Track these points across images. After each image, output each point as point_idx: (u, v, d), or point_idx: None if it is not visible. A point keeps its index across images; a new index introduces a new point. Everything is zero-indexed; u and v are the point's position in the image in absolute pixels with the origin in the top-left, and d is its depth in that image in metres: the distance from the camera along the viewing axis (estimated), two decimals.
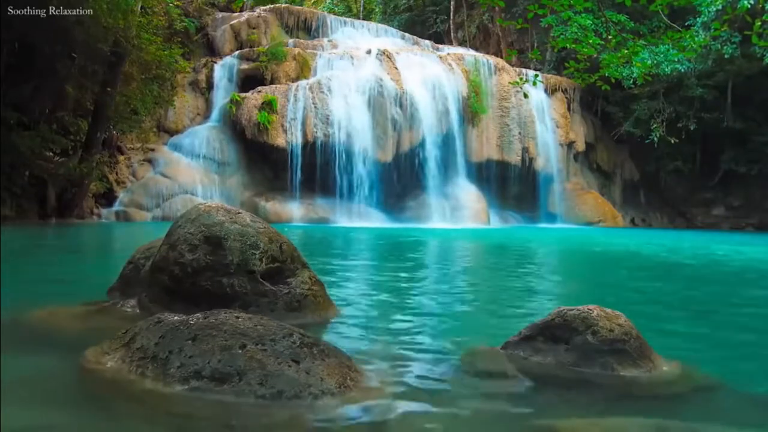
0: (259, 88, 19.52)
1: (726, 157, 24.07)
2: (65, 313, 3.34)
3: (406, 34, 25.87)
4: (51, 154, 14.87)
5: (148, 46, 15.35)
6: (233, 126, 19.13)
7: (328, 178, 19.27)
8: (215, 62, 20.65)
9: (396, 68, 20.84)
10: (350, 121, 19.35)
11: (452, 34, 29.47)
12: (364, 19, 30.78)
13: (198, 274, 3.24)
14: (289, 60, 20.51)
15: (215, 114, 19.79)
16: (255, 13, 23.12)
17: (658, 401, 2.28)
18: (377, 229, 16.62)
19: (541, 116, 23.44)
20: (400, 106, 20.22)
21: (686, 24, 18.27)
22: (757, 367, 2.97)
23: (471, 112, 21.86)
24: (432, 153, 20.65)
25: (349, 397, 2.09)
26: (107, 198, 16.86)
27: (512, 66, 23.87)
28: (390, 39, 24.36)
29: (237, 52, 21.06)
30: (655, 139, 23.41)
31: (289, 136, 18.89)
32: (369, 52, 21.25)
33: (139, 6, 15.15)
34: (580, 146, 25.06)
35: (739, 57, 21.16)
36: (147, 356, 2.20)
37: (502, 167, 22.73)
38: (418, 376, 2.44)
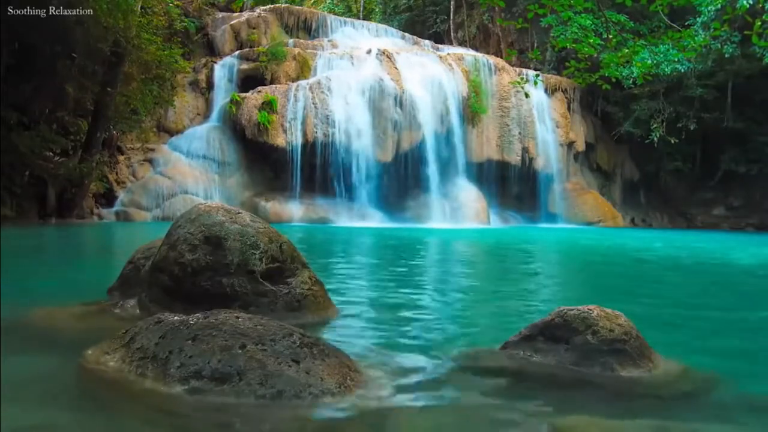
0: (259, 88, 19.51)
1: (726, 157, 24.03)
2: (65, 313, 3.34)
3: (406, 34, 25.84)
4: (51, 154, 14.86)
5: (148, 46, 15.33)
6: (233, 126, 19.12)
7: (328, 178, 19.27)
8: (215, 62, 20.64)
9: (396, 68, 20.83)
10: (350, 121, 19.34)
11: (452, 34, 29.44)
12: (364, 19, 30.74)
13: (198, 274, 3.24)
14: (289, 60, 20.51)
15: (215, 114, 19.78)
16: (255, 13, 23.10)
17: (658, 401, 2.28)
18: (377, 229, 16.62)
19: (541, 116, 23.41)
20: (400, 106, 20.21)
21: (686, 24, 18.24)
22: (757, 368, 2.97)
23: (471, 112, 21.84)
24: (432, 153, 20.62)
25: (349, 397, 2.09)
26: (107, 198, 16.86)
27: (512, 66, 23.85)
28: (390, 39, 24.34)
29: (237, 52, 21.05)
30: (655, 139, 23.39)
31: (289, 136, 18.89)
32: (369, 52, 21.23)
33: (139, 6, 15.13)
34: (580, 146, 25.05)
35: (739, 57, 21.12)
36: (147, 356, 2.20)
37: (502, 167, 22.71)
38: (418, 376, 2.44)
